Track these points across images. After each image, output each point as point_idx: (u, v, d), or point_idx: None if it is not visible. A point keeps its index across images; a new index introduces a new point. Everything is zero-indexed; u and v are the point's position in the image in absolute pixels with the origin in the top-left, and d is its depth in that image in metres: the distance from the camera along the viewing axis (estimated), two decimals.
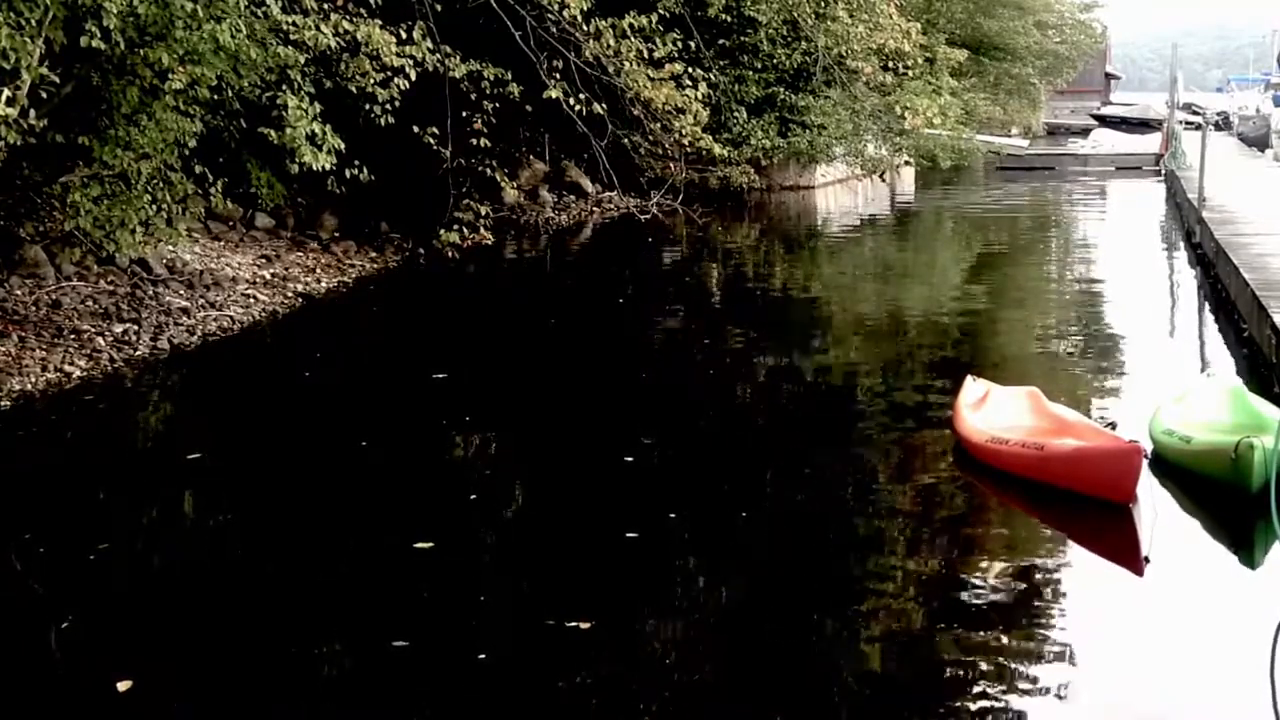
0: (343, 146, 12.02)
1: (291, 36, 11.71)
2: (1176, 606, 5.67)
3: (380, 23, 12.97)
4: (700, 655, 5.35)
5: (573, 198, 23.82)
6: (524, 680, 5.04)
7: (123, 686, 4.88)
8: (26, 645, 5.47)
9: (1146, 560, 6.22)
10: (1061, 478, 6.99)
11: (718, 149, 17.99)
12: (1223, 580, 6.05)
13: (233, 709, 4.84)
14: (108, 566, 6.26)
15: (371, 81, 13.03)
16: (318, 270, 15.34)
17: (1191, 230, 18.33)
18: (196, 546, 6.68)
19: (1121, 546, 6.53)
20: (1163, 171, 30.41)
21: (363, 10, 12.97)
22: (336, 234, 17.29)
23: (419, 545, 6.38)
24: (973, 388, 8.55)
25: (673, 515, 6.82)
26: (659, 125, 16.54)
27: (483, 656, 5.18)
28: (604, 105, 15.14)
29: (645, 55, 15.29)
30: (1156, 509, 6.68)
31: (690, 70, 16.00)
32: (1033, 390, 8.42)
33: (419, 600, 5.81)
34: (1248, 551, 6.53)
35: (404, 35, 13.22)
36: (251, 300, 13.22)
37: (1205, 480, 7.06)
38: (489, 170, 17.08)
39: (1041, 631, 5.39)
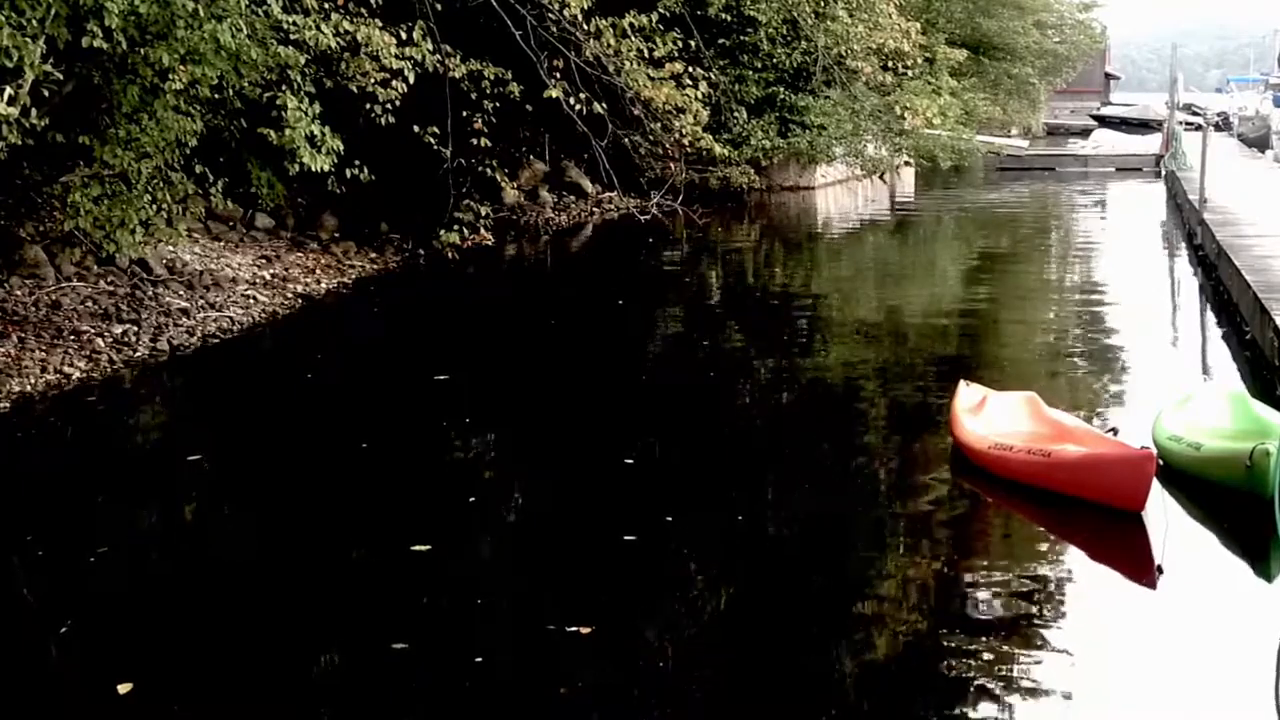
0: (342, 148, 12.00)
1: (292, 36, 11.69)
2: (1192, 618, 5.58)
3: (380, 23, 12.95)
4: (700, 659, 5.33)
5: (573, 198, 23.80)
6: (523, 684, 5.03)
7: (123, 689, 4.88)
8: (27, 647, 5.47)
9: (1159, 570, 6.09)
10: (1069, 485, 6.87)
11: (718, 149, 18.00)
12: (1239, 591, 5.94)
13: (232, 711, 4.83)
14: (108, 569, 6.25)
15: (371, 81, 13.01)
16: (318, 271, 15.33)
17: (1192, 232, 18.32)
18: (196, 548, 6.67)
19: (1133, 556, 6.42)
20: (1163, 172, 30.39)
21: (363, 10, 12.95)
22: (336, 234, 17.29)
23: (417, 547, 6.37)
24: (967, 393, 8.38)
25: (670, 518, 6.80)
26: (659, 125, 16.53)
27: (481, 660, 5.17)
28: (604, 105, 15.11)
29: (645, 55, 15.27)
30: (1168, 517, 6.51)
31: (690, 70, 15.98)
32: (1031, 395, 8.29)
33: (418, 603, 5.80)
34: (1263, 561, 6.38)
35: (404, 36, 13.20)
36: (251, 301, 13.21)
37: (1216, 487, 6.96)
38: (489, 170, 17.07)
39: (1052, 642, 5.33)
